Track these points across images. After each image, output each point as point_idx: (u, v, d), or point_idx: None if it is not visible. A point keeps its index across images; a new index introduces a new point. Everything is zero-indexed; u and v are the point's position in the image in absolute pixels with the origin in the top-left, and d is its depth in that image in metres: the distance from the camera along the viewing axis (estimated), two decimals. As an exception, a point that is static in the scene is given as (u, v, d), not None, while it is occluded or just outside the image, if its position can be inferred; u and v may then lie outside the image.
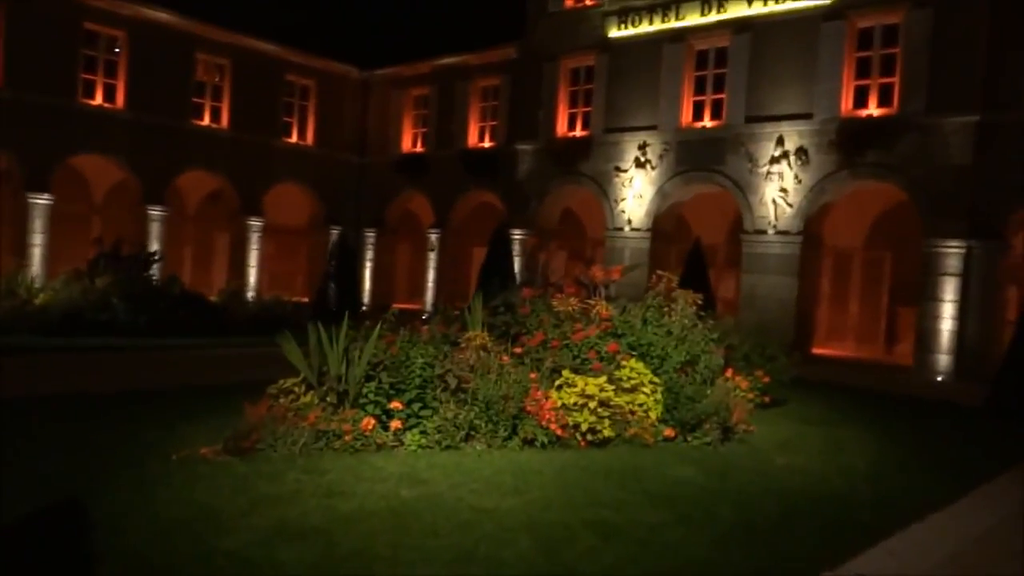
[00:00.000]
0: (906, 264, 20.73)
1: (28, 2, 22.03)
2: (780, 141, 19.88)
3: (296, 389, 6.99)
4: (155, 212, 25.27)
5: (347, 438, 6.69)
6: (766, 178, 20.10)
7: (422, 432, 7.11)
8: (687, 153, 21.76)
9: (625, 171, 22.88)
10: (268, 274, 31.33)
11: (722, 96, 21.31)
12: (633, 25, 22.64)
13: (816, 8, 19.36)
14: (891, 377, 17.22)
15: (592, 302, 8.55)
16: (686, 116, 21.96)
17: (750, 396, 10.16)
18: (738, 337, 11.97)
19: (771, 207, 20.00)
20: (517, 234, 25.24)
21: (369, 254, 30.73)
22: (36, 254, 22.53)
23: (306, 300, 25.87)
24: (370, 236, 30.67)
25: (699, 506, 6.15)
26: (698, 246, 17.98)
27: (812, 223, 19.76)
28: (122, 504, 5.28)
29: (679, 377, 8.82)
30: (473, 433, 7.26)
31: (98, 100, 23.99)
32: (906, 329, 20.88)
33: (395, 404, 6.97)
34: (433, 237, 28.29)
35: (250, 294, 27.00)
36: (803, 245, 19.68)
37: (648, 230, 22.47)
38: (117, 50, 24.35)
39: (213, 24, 25.87)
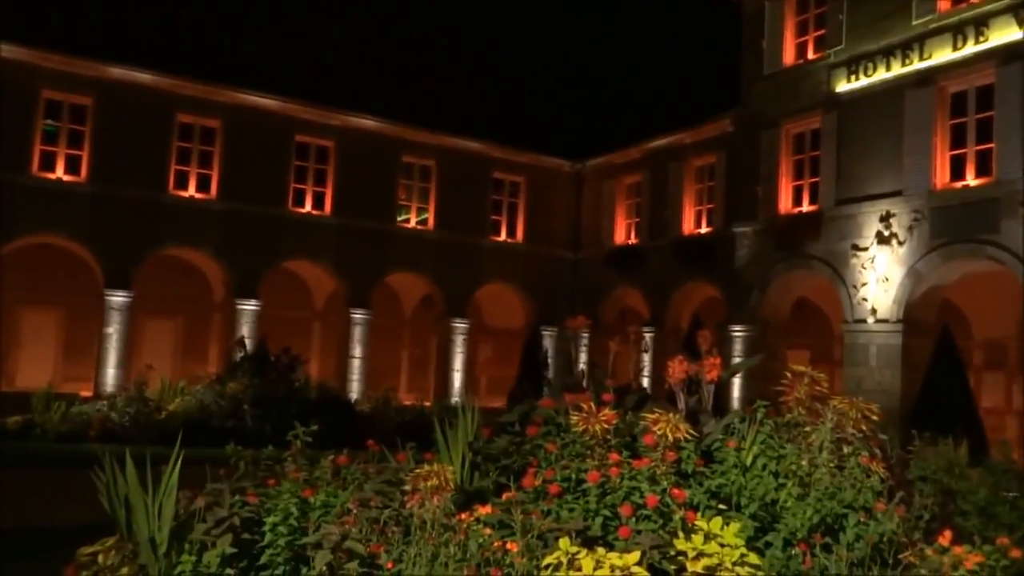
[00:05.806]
0: None
1: (244, 118, 23.21)
2: (1077, 196, 14.62)
3: (102, 559, 4.52)
4: (357, 316, 24.98)
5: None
6: (1060, 247, 14.82)
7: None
8: (945, 221, 16.92)
9: (865, 249, 18.40)
10: (487, 378, 30.01)
11: (990, 146, 16.43)
12: (865, 74, 18.57)
13: (1118, 13, 14.28)
14: None
15: (655, 416, 5.26)
16: (941, 176, 17.22)
17: (982, 581, 6.01)
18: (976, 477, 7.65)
19: (1070, 285, 14.60)
20: (737, 331, 21.46)
21: (583, 356, 28.15)
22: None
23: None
24: (584, 336, 28.16)
25: None
26: (947, 339, 13.25)
27: None
28: None
29: (802, 553, 5.13)
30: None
31: (307, 208, 24.54)
32: None
33: (215, 596, 4.23)
34: (647, 336, 25.16)
35: (454, 399, 25.64)
36: None
37: (899, 321, 17.62)
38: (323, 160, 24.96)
39: (419, 126, 25.78)
